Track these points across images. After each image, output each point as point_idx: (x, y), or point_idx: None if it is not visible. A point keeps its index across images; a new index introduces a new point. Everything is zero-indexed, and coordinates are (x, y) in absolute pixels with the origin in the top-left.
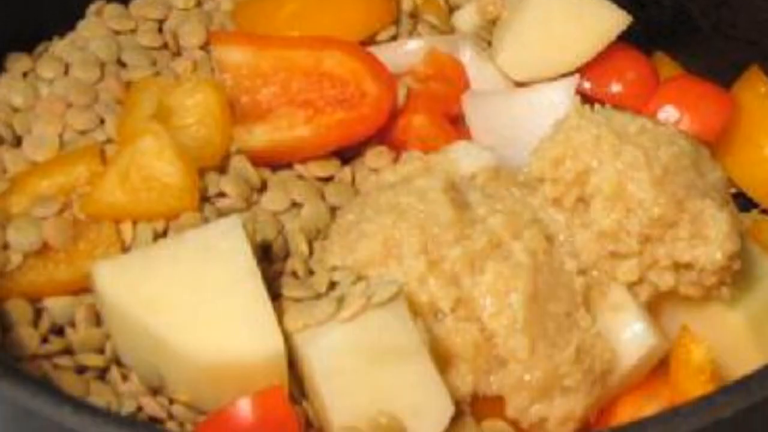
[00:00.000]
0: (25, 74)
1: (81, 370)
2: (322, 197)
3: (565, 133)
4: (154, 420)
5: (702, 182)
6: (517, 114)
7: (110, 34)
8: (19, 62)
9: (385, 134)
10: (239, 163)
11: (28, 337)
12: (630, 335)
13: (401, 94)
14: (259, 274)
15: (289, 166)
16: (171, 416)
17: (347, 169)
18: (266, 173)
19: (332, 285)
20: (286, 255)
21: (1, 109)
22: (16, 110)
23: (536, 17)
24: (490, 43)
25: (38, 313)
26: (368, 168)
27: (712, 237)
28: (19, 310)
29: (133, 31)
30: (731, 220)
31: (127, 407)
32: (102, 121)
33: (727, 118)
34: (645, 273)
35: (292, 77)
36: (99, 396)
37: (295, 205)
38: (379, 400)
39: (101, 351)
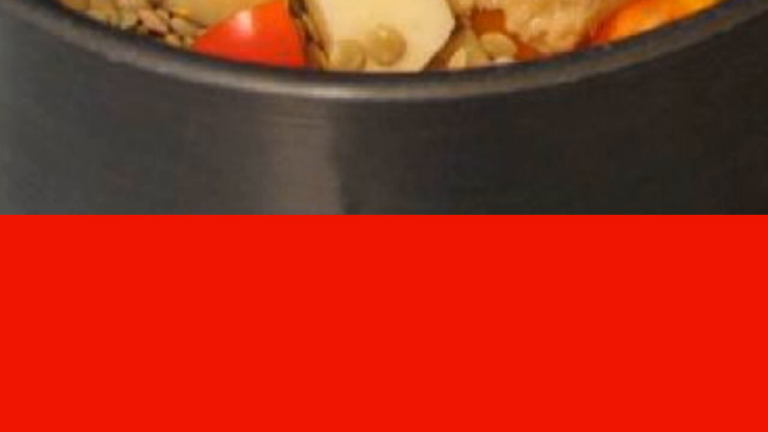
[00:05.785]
0: None
1: None
2: None
3: None
4: (153, 33)
5: None
6: None
7: None
8: None
9: None
10: None
11: None
12: None
13: None
14: None
15: None
16: (171, 30)
17: None
18: None
19: None
20: None
21: None
22: None
23: None
24: None
25: None
26: None
27: None
28: None
29: None
30: None
31: (127, 21)
32: None
33: None
34: None
35: None
36: (99, 10)
37: None
38: (379, 13)
39: None
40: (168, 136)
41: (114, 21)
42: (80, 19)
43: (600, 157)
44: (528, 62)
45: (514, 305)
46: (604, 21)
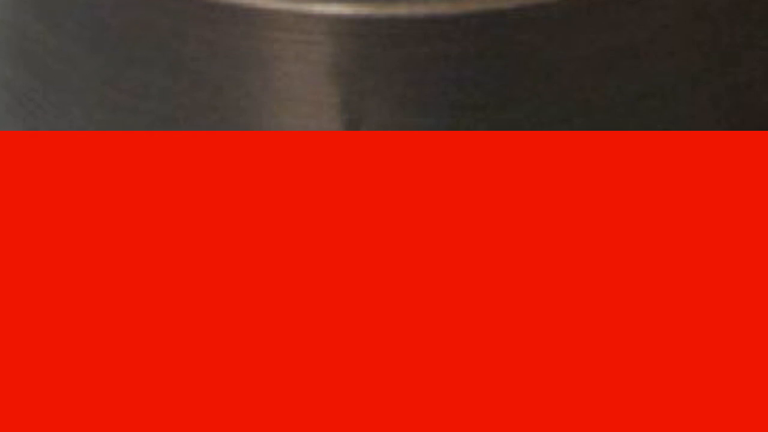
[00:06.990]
0: None
1: None
2: None
3: None
4: None
5: None
6: None
7: None
8: None
9: None
10: None
11: None
12: None
13: None
14: None
15: None
16: None
17: None
18: None
19: None
20: None
21: None
22: None
23: None
24: None
25: None
26: None
27: None
28: None
29: None
30: None
31: None
32: None
33: None
34: None
35: None
36: None
37: None
38: None
39: None
40: (168, 53)
41: None
42: None
43: (600, 73)
44: None
45: (513, 221)
46: None
